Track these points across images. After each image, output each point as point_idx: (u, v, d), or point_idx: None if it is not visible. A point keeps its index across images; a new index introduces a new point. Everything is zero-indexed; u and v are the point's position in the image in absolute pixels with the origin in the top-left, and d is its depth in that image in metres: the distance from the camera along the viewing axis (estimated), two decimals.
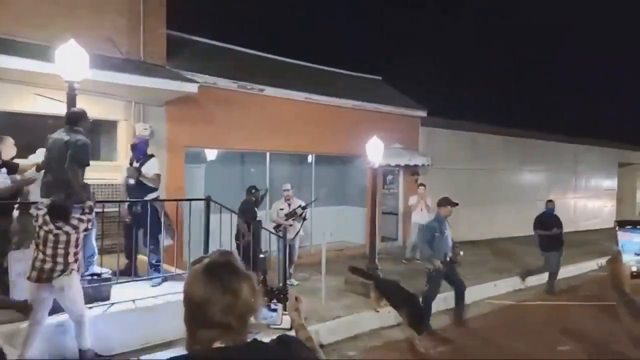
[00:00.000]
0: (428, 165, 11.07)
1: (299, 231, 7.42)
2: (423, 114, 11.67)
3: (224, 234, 6.06)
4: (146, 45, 6.97)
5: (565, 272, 9.42)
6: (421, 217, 9.61)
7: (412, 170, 11.51)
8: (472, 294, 7.38)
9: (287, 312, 1.57)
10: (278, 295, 1.60)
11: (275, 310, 1.50)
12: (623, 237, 1.63)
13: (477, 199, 13.19)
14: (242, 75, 8.28)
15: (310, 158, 9.79)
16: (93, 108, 5.92)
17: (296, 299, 1.60)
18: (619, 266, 1.49)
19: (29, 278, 3.79)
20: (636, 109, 23.35)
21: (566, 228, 16.23)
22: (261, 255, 6.49)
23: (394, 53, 19.78)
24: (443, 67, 22.32)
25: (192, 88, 6.40)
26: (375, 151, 7.21)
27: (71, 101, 4.40)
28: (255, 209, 7.24)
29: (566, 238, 14.23)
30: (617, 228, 1.64)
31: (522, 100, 23.59)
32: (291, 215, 7.17)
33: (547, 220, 8.17)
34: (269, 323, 1.48)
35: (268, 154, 8.81)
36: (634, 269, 1.56)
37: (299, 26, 20.54)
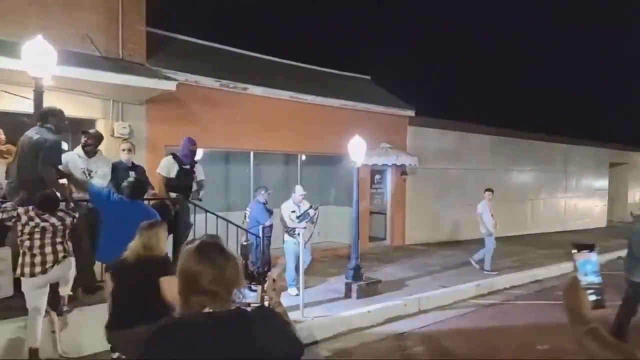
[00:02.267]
0: (415, 165, 11.03)
1: (312, 234, 7.14)
2: (411, 113, 11.63)
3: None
4: (125, 42, 6.89)
5: (549, 272, 9.40)
6: (492, 224, 9.01)
7: (401, 170, 11.47)
8: (455, 293, 7.35)
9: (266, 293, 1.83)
10: (258, 278, 2.26)
11: (255, 291, 1.86)
12: (579, 257, 1.44)
13: (466, 199, 13.14)
14: (227, 74, 8.21)
15: (296, 158, 9.71)
16: (70, 106, 5.85)
17: (274, 280, 1.85)
18: (577, 294, 1.36)
19: (22, 275, 3.91)
20: (627, 109, 23.42)
21: (556, 228, 16.48)
22: (244, 243, 6.60)
23: (384, 53, 19.76)
24: (433, 67, 22.34)
25: (170, 86, 6.33)
26: (358, 150, 7.15)
27: (38, 98, 4.32)
28: (267, 210, 7.07)
29: (554, 238, 14.34)
30: (574, 252, 1.47)
31: (512, 100, 23.63)
32: (303, 217, 6.90)
33: None
34: (250, 302, 1.72)
35: (252, 153, 8.73)
36: (592, 297, 1.40)
37: (288, 25, 20.50)
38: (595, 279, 1.38)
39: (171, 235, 5.02)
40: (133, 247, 2.98)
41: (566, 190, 17.32)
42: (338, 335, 5.63)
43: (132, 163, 5.62)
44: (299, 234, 6.78)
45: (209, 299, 1.36)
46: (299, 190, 7.13)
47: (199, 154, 8.80)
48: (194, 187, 5.80)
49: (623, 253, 12.20)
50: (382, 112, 11.03)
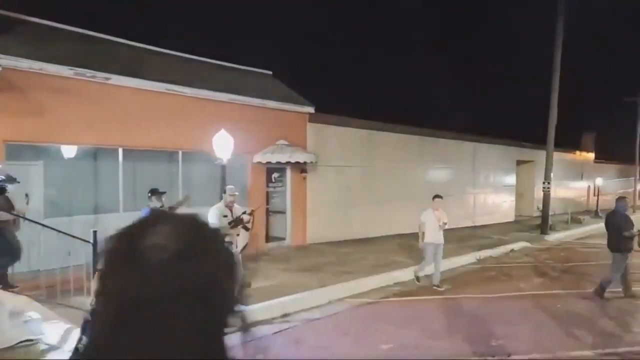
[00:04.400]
0: (313, 162, 10.80)
1: (247, 243, 6.35)
2: (310, 110, 11.39)
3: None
4: None
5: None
6: (436, 235, 7.79)
7: (301, 168, 11.20)
8: (328, 293, 7.12)
9: None
10: None
11: None
12: None
13: (372, 197, 13.17)
14: (86, 62, 7.43)
15: (177, 155, 9.08)
16: None
17: None
18: None
19: None
20: (531, 109, 24.95)
21: (466, 223, 17.04)
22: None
23: (288, 49, 19.52)
24: (337, 64, 22.52)
25: None
26: (223, 146, 6.71)
27: None
28: None
29: (460, 233, 14.76)
30: None
31: (419, 99, 24.38)
32: (237, 223, 5.99)
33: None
34: None
35: (121, 150, 8.00)
36: None
37: (183, 17, 19.60)
38: None
39: None
40: None
41: (475, 187, 17.99)
42: None
43: None
44: (231, 243, 5.85)
45: None
46: (230, 190, 6.17)
47: (72, 151, 8.00)
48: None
49: (516, 246, 12.89)
50: (279, 109, 10.69)
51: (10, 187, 5.85)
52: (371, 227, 12.94)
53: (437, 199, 7.98)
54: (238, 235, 6.05)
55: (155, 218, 0.68)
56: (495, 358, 4.79)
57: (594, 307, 6.81)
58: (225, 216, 5.98)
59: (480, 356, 4.84)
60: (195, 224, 0.69)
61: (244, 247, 6.27)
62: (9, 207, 5.79)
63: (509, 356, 4.85)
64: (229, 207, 6.12)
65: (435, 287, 7.79)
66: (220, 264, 0.68)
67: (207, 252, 0.67)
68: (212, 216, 5.96)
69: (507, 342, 5.20)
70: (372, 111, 14.63)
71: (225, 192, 6.26)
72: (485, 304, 6.98)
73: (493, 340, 5.24)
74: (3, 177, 5.73)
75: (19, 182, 5.95)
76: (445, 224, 7.84)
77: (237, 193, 6.22)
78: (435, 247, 7.79)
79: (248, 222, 6.16)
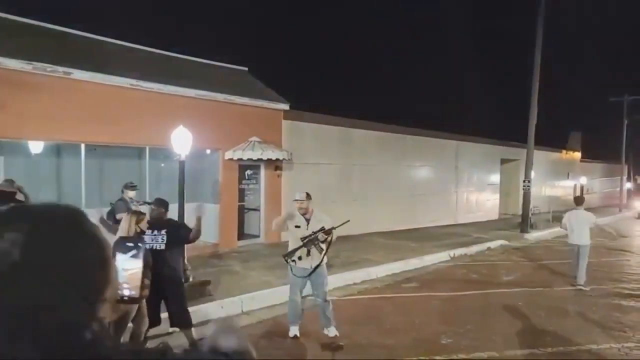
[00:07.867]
0: (286, 159, 10.75)
1: (321, 262, 5.00)
2: (285, 106, 11.32)
3: None
4: None
5: (406, 265, 9.48)
6: (582, 234, 7.95)
7: (275, 165, 11.14)
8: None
9: None
10: None
11: None
12: None
13: (349, 195, 13.13)
14: (45, 56, 7.31)
15: (144, 151, 8.98)
16: None
17: None
18: None
19: None
20: (518, 107, 24.99)
21: (448, 221, 17.06)
22: None
23: (266, 45, 19.43)
24: (317, 61, 22.44)
25: None
26: (182, 142, 6.63)
27: None
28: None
29: (439, 231, 14.77)
30: None
31: (401, 97, 24.34)
32: (310, 241, 4.88)
33: None
34: None
35: (83, 145, 7.91)
36: None
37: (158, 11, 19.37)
38: None
39: None
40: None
41: (457, 185, 18.00)
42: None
43: None
44: (298, 259, 4.90)
45: None
46: (298, 195, 5.07)
47: (34, 147, 7.90)
48: None
49: (494, 244, 12.91)
50: (252, 105, 10.61)
51: (129, 193, 6.53)
52: (348, 224, 12.88)
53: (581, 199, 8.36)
54: (309, 255, 4.95)
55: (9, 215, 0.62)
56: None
57: (556, 305, 6.81)
58: (298, 226, 4.98)
59: (428, 354, 4.82)
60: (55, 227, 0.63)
61: (315, 268, 5.00)
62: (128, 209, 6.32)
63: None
64: (304, 214, 5.02)
65: (579, 287, 7.84)
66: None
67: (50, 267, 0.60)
68: (281, 221, 5.06)
69: (457, 341, 5.18)
70: (351, 108, 14.56)
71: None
72: (446, 302, 6.96)
73: (444, 339, 5.22)
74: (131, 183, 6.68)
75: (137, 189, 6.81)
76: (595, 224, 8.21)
77: (302, 197, 5.03)
78: (579, 247, 8.01)
79: (324, 241, 4.95)
